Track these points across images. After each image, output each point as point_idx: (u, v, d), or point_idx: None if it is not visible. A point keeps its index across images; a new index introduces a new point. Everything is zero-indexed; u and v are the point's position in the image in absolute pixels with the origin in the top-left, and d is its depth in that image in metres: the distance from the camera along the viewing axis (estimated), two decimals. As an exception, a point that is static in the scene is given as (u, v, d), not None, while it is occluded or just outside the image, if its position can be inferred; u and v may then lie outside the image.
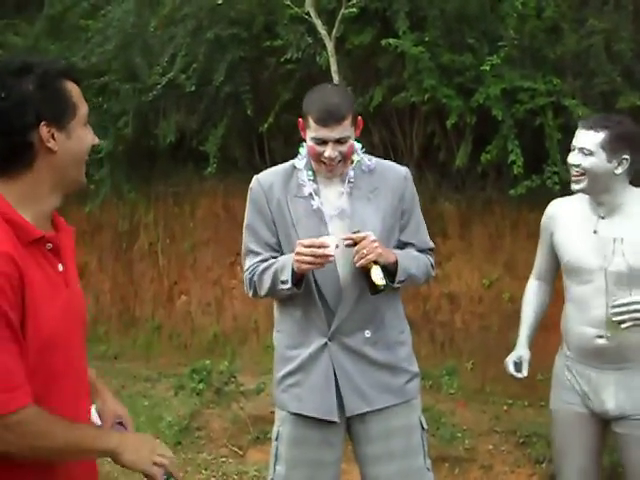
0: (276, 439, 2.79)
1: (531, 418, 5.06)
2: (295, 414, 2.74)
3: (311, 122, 2.59)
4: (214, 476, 4.70)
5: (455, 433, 4.76)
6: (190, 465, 4.82)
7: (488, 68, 5.21)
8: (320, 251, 2.51)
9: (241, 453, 4.95)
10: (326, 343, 2.67)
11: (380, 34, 5.76)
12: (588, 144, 2.73)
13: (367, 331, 2.68)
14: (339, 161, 2.62)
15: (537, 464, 4.51)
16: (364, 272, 2.56)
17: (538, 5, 5.56)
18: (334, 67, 5.35)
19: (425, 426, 2.81)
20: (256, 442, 4.99)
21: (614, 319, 2.67)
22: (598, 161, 2.72)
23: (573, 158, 2.80)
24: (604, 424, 2.94)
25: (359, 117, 2.73)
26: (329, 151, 2.58)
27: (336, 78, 5.38)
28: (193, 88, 6.59)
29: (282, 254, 2.71)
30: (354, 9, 5.52)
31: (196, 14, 6.65)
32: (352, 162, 2.72)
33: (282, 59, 6.28)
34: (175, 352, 7.35)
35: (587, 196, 2.85)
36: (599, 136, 2.73)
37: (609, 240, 2.76)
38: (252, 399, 5.29)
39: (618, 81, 5.16)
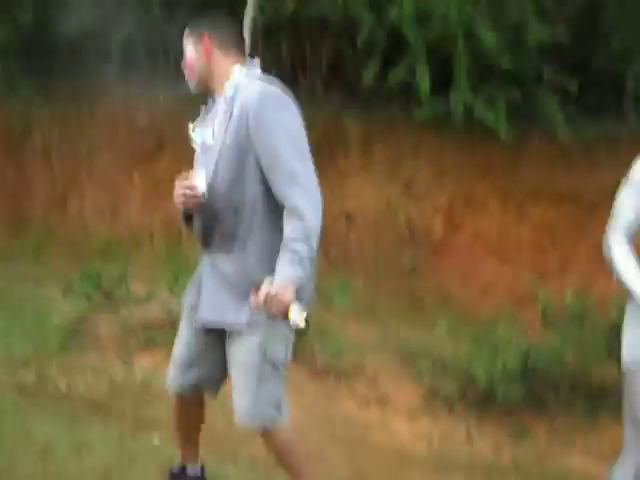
0: None
1: (418, 337, 5.20)
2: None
3: None
4: (100, 381, 4.64)
5: (342, 347, 4.84)
6: (75, 369, 4.75)
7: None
8: (189, 192, 2.54)
9: (128, 359, 4.90)
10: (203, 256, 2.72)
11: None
12: None
13: (227, 249, 2.61)
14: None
15: (420, 380, 4.65)
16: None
17: None
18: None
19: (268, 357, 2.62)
20: (144, 348, 4.95)
21: None
22: None
23: None
24: None
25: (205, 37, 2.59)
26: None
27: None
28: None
29: None
30: None
31: None
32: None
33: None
34: (66, 256, 7.16)
35: None
36: None
37: None
38: (142, 305, 5.23)
39: (530, 12, 5.20)
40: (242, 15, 5.27)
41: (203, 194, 2.53)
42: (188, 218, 2.69)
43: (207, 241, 2.65)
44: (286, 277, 2.42)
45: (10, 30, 6.81)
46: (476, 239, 6.13)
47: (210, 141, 2.60)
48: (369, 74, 5.84)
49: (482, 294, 5.90)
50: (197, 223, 2.66)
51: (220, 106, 2.58)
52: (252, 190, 2.54)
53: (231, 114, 2.53)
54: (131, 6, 6.54)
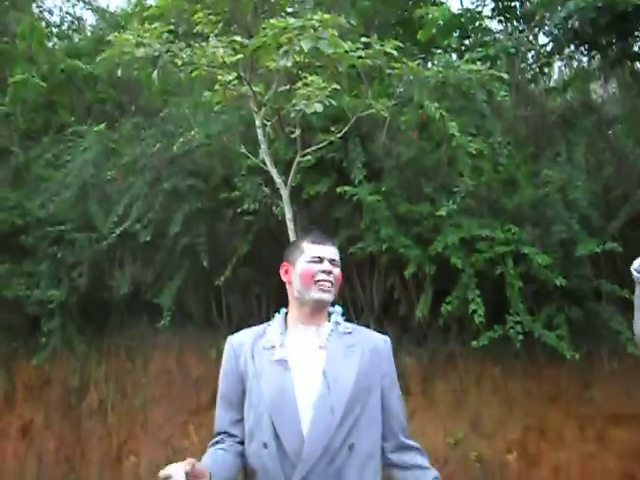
0: None
1: None
2: None
3: (306, 246, 2.64)
4: None
5: None
6: None
7: (444, 213, 5.16)
8: None
9: None
10: None
11: (337, 184, 5.73)
12: None
13: None
14: (332, 283, 2.60)
15: None
16: None
17: (494, 160, 5.60)
18: (289, 215, 5.24)
19: None
20: None
21: None
22: None
23: None
24: None
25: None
26: (326, 265, 2.59)
27: (291, 227, 5.26)
28: (148, 238, 6.46)
29: (248, 408, 2.57)
30: (310, 158, 5.49)
31: (155, 165, 6.63)
32: (329, 317, 2.66)
33: (239, 210, 6.20)
34: (121, 520, 6.80)
35: None
36: None
37: None
38: None
39: (576, 229, 5.11)
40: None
41: None
42: None
43: None
44: None
45: (67, 291, 6.97)
46: (556, 472, 5.61)
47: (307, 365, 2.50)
48: (422, 307, 5.71)
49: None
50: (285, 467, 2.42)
51: (326, 336, 2.56)
52: (371, 429, 2.50)
53: (362, 352, 2.54)
54: (180, 261, 6.66)
